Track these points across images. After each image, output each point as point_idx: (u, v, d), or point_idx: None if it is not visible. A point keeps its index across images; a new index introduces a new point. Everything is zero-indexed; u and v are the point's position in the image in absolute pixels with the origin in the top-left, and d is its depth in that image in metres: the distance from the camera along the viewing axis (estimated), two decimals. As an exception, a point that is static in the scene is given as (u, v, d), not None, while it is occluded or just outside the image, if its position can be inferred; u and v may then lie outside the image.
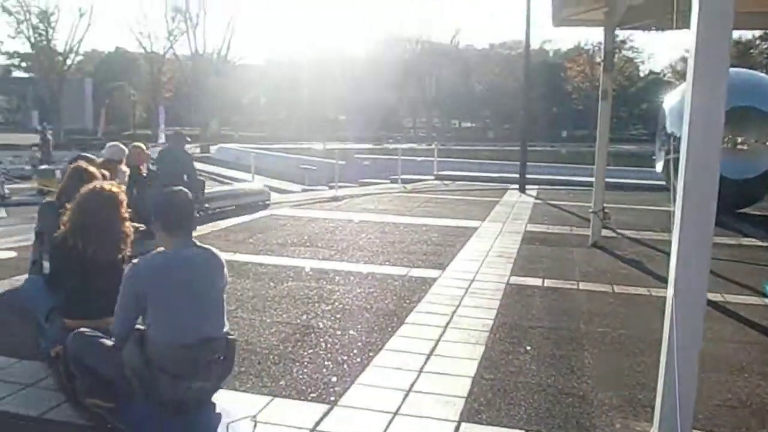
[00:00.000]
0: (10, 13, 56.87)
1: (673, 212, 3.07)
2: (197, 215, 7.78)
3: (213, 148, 39.64)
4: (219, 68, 55.74)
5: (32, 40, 58.14)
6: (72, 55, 60.74)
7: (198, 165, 25.78)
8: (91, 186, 3.92)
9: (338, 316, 5.48)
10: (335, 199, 13.77)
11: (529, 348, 4.82)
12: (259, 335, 4.93)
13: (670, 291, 2.96)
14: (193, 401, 3.24)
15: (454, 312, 5.65)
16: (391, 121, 72.70)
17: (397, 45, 73.21)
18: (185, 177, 9.64)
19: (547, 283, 6.83)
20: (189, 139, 10.97)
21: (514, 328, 5.27)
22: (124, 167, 6.88)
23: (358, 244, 8.67)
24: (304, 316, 5.43)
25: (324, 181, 20.19)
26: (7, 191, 13.82)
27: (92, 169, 4.71)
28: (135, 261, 3.32)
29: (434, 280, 6.79)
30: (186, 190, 3.44)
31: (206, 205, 10.84)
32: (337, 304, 5.84)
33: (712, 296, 6.48)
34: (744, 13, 7.95)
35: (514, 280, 6.89)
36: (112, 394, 3.35)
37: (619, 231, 10.09)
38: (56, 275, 3.91)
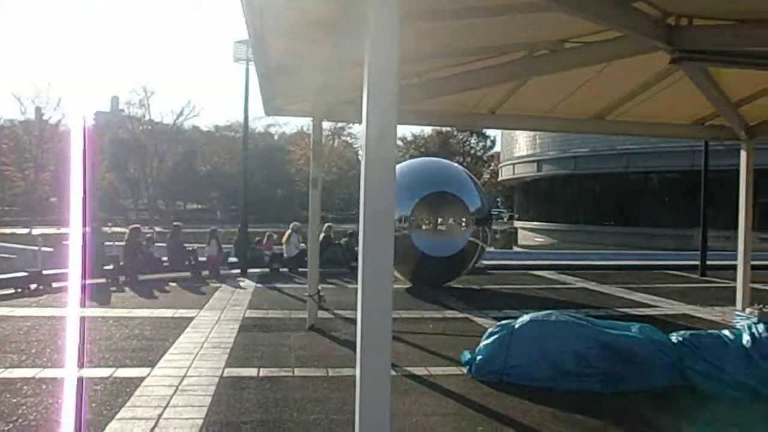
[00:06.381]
0: None
1: None
2: None
3: None
4: None
5: None
6: None
7: None
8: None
9: (22, 436, 4.75)
10: (35, 292, 12.25)
11: (238, 447, 4.62)
12: None
13: (357, 371, 3.06)
14: None
15: (161, 415, 5.27)
16: (111, 202, 68.40)
17: (118, 121, 70.11)
18: None
19: (263, 372, 6.73)
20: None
21: (225, 426, 5.05)
22: None
23: (56, 345, 7.74)
24: (-25, 442, 4.62)
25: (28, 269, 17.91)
26: None
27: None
28: None
29: (142, 379, 6.30)
30: None
31: None
32: (21, 421, 5.07)
33: (417, 371, 6.94)
34: (412, 112, 9.12)
35: (229, 372, 6.68)
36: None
37: (336, 311, 10.37)
38: None
